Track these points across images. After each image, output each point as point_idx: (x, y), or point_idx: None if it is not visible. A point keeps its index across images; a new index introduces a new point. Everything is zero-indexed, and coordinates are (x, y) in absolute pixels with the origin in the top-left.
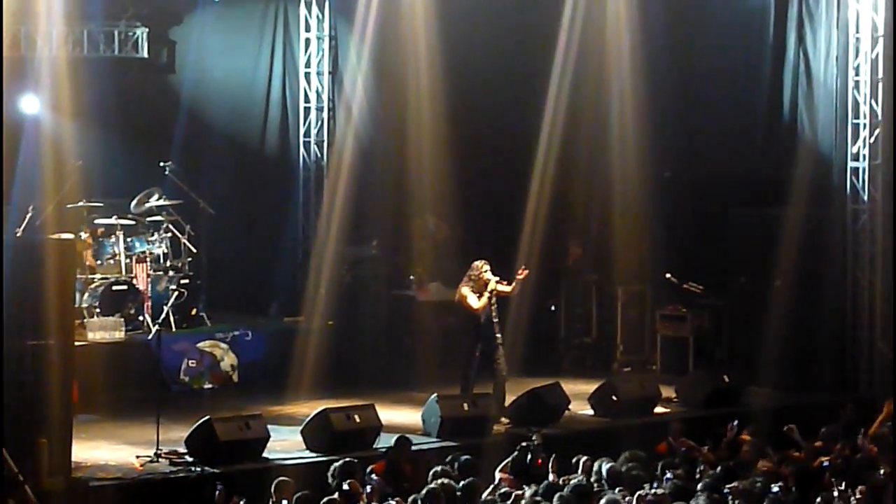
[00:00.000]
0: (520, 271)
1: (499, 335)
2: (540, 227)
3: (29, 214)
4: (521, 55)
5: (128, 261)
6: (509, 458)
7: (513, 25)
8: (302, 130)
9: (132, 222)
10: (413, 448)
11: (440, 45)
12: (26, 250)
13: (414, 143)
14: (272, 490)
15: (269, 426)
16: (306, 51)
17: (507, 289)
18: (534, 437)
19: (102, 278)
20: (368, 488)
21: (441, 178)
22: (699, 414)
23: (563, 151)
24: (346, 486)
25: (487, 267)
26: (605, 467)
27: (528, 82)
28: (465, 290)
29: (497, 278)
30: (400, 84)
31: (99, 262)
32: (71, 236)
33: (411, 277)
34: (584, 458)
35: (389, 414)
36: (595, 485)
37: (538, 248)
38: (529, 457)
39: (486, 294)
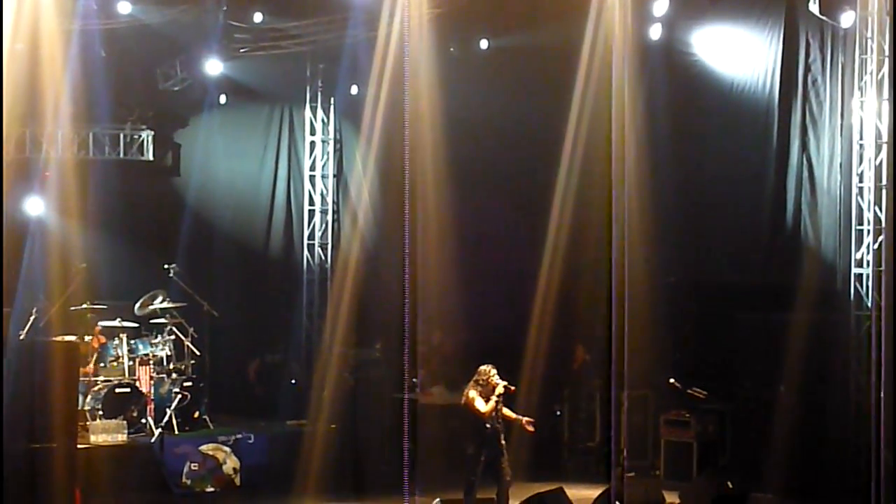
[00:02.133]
0: (525, 421)
1: (503, 440)
2: (545, 331)
3: (33, 317)
4: (526, 163)
5: (131, 363)
6: None
7: (519, 134)
8: (306, 233)
9: (136, 325)
10: None
11: (445, 153)
12: (29, 353)
13: (420, 248)
14: None
15: None
16: (311, 153)
17: (512, 415)
18: None
19: (105, 381)
20: None
21: (446, 282)
22: None
23: (568, 255)
24: None
25: (495, 371)
26: None
27: (533, 189)
28: (473, 394)
29: (504, 383)
30: (406, 186)
31: (102, 364)
32: (74, 339)
33: (414, 380)
34: None
35: None
36: None
37: (544, 351)
38: None
39: (494, 399)
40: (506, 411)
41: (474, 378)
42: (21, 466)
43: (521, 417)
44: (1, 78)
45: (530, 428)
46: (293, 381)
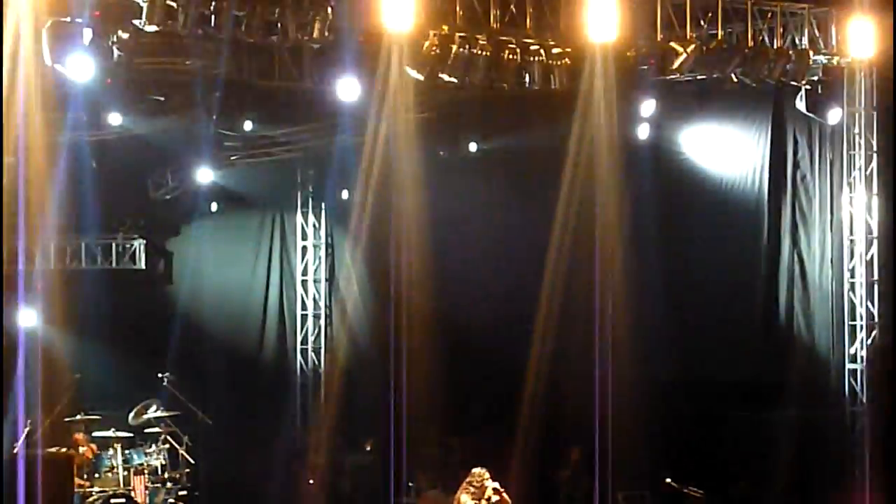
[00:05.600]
0: None
1: None
2: (536, 433)
3: (26, 429)
4: (512, 259)
5: (125, 473)
6: None
7: (506, 234)
8: (299, 338)
9: (130, 434)
10: None
11: (433, 253)
12: (24, 466)
13: (407, 349)
14: None
15: None
16: (303, 258)
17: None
18: None
19: (100, 492)
20: None
21: (435, 386)
22: None
23: (557, 355)
24: None
25: (487, 475)
26: None
27: (520, 287)
28: (465, 498)
29: (496, 485)
30: (393, 286)
31: (97, 475)
32: (67, 452)
33: (410, 485)
34: None
35: None
36: None
37: (537, 453)
38: None
39: (485, 502)
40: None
41: (466, 480)
42: None
43: None
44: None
45: None
46: (311, 482)
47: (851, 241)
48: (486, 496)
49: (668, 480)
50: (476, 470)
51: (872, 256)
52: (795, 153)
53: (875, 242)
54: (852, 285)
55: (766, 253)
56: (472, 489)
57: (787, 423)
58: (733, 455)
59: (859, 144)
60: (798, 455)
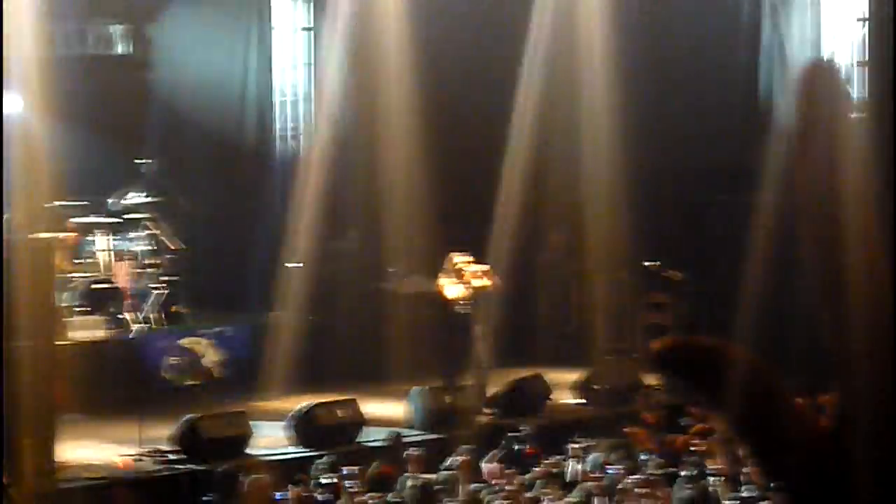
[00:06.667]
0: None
1: (480, 325)
2: (517, 215)
3: (6, 216)
4: (493, 45)
5: (107, 259)
6: (497, 450)
7: (485, 12)
8: (279, 124)
9: (111, 220)
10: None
11: (413, 36)
12: (3, 251)
13: (388, 134)
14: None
15: (253, 422)
16: (283, 43)
17: (485, 284)
18: (522, 428)
19: (82, 277)
20: None
21: (415, 168)
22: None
23: (538, 142)
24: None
25: (463, 258)
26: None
27: (501, 71)
28: (444, 281)
29: (475, 269)
30: (374, 75)
31: (78, 261)
32: (48, 236)
33: (391, 270)
34: (573, 445)
35: (372, 407)
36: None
37: (516, 236)
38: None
39: (463, 284)
40: (475, 283)
41: (444, 265)
42: None
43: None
44: None
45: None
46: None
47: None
48: (465, 279)
49: (647, 263)
50: (452, 253)
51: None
52: None
53: (864, 25)
54: None
55: (745, 36)
56: (448, 273)
57: (766, 205)
58: (714, 239)
59: None
60: (777, 239)
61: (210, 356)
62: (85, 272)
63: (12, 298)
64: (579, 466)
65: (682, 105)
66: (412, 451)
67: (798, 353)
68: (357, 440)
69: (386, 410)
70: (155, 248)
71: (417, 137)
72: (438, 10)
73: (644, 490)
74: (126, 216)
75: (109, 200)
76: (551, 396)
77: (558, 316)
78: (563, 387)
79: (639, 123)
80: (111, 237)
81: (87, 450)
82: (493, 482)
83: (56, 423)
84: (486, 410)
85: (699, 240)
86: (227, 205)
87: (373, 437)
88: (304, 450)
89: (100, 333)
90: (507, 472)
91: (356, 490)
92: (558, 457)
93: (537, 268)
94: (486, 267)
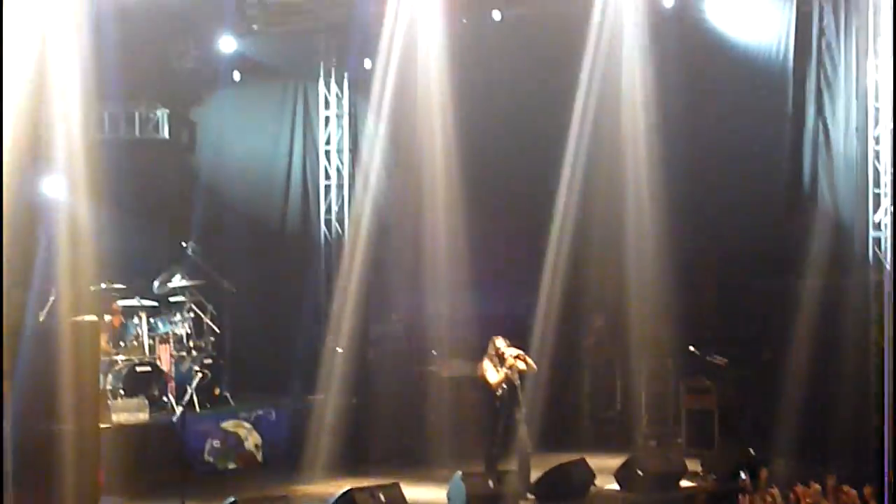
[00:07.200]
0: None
1: (522, 410)
2: (558, 299)
3: (52, 298)
4: (537, 124)
5: (151, 342)
6: None
7: (529, 103)
8: (323, 208)
9: (155, 303)
10: None
11: (455, 117)
12: (49, 334)
13: (430, 216)
14: None
15: None
16: (326, 128)
17: (525, 367)
18: None
19: (126, 360)
20: None
21: (458, 251)
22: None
23: (580, 221)
24: None
25: (505, 342)
26: None
27: (544, 151)
28: (486, 365)
29: (517, 352)
30: (416, 156)
31: (122, 343)
32: (93, 318)
33: (434, 353)
34: None
35: (414, 492)
36: None
37: (558, 320)
38: None
39: (505, 369)
40: (520, 365)
41: (487, 348)
42: (43, 447)
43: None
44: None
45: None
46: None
47: (877, 108)
48: (507, 364)
49: (692, 348)
50: (495, 337)
51: None
52: (821, 20)
53: None
54: (877, 153)
55: (790, 121)
56: (490, 357)
57: (811, 291)
58: (756, 324)
59: (886, 9)
60: (821, 323)
61: (252, 439)
62: (128, 355)
63: (57, 381)
64: None
65: (725, 188)
66: None
67: (842, 443)
68: None
69: (429, 495)
70: (198, 330)
71: (460, 217)
72: (481, 85)
73: None
74: (170, 299)
75: (154, 283)
76: (595, 482)
77: (601, 400)
78: (607, 472)
79: (682, 209)
80: (155, 320)
81: None
82: None
83: None
84: (529, 496)
85: (742, 324)
86: (270, 288)
87: None
88: None
89: (143, 416)
90: None
91: None
92: None
93: (580, 351)
94: (521, 352)
